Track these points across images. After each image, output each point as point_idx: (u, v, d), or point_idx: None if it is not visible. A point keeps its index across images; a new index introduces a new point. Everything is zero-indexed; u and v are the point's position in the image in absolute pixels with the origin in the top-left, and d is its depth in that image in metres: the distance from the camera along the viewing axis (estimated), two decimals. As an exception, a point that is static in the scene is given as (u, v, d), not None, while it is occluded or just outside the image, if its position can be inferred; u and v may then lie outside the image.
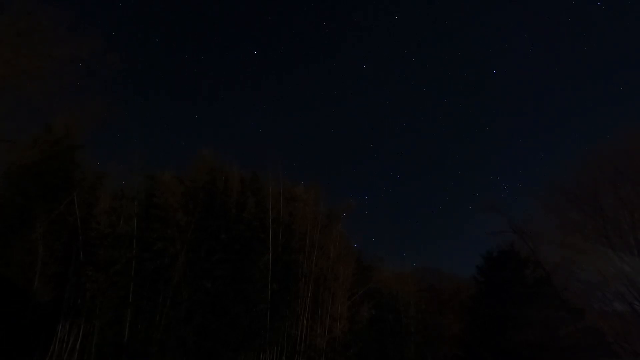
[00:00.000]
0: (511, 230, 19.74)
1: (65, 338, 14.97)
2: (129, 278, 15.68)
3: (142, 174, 17.71)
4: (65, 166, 16.79)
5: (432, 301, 29.00)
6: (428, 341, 26.39)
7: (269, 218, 18.43)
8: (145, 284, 16.07)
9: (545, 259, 18.47)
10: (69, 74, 12.48)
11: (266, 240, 17.96)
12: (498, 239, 21.07)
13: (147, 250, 16.31)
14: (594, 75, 62.14)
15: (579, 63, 63.38)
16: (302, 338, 18.17)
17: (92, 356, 14.71)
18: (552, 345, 15.25)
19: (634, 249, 13.59)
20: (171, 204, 16.91)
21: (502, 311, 17.73)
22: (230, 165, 20.19)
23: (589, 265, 14.57)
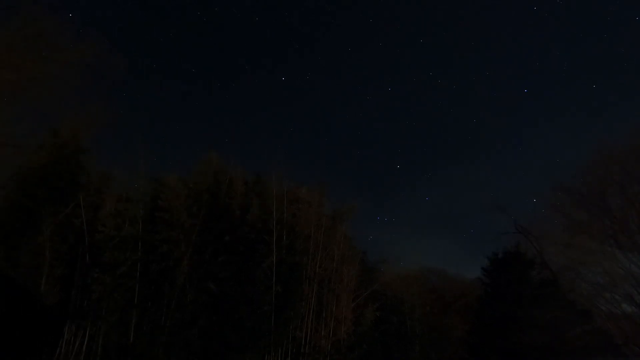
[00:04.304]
0: (516, 231, 19.60)
1: (72, 340, 15.10)
2: (135, 280, 15.80)
3: (147, 176, 17.90)
4: (71, 169, 16.99)
5: (437, 303, 28.79)
6: (433, 343, 26.22)
7: (273, 220, 18.47)
8: (151, 286, 16.18)
9: (552, 260, 18.28)
10: (74, 78, 12.65)
11: (270, 242, 17.98)
12: (503, 240, 20.93)
13: (153, 252, 16.43)
14: (602, 74, 61.47)
15: (586, 61, 62.76)
16: (306, 340, 18.14)
17: (98, 358, 14.82)
18: (559, 347, 15.07)
19: (642, 249, 13.39)
20: (176, 206, 17.01)
21: (508, 313, 17.60)
22: (234, 167, 20.32)
23: (597, 266, 14.40)
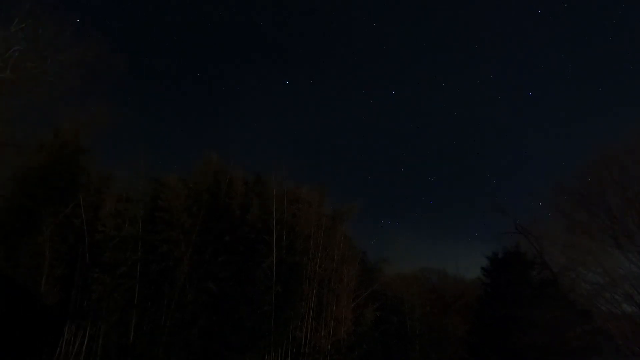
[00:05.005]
0: (516, 231, 19.59)
1: (72, 340, 15.11)
2: (135, 280, 15.80)
3: (147, 176, 17.91)
4: (71, 170, 17.01)
5: (437, 303, 28.79)
6: (433, 343, 26.22)
7: (273, 220, 18.47)
8: (151, 286, 16.18)
9: (552, 260, 18.28)
10: (75, 78, 12.64)
11: (270, 242, 17.99)
12: (503, 240, 20.92)
13: (153, 252, 16.43)
14: (601, 75, 61.43)
15: (586, 63, 62.74)
16: (306, 340, 18.15)
17: (98, 358, 14.82)
18: (559, 348, 15.06)
19: (642, 249, 13.39)
20: (176, 206, 17.01)
21: (508, 313, 17.55)
22: (234, 167, 20.34)
23: (597, 266, 14.38)
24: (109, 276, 15.34)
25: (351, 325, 19.98)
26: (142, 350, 15.01)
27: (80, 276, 15.80)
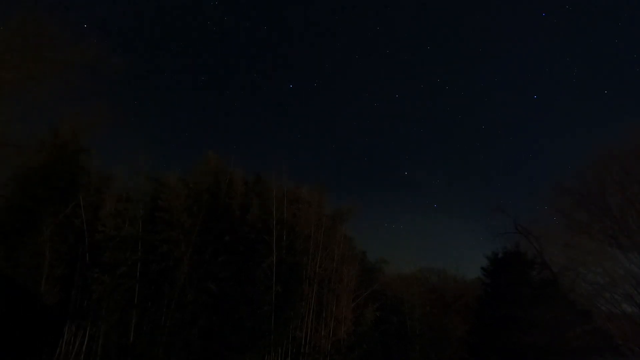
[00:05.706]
0: (516, 231, 19.60)
1: (72, 340, 15.11)
2: (135, 280, 15.80)
3: (147, 176, 17.91)
4: (71, 169, 17.01)
5: (437, 303, 28.79)
6: (433, 343, 26.21)
7: (273, 220, 18.47)
8: (151, 286, 16.18)
9: (552, 260, 18.28)
10: (74, 78, 12.64)
11: (270, 242, 17.99)
12: (503, 240, 20.93)
13: (153, 252, 16.43)
14: (602, 75, 61.40)
15: (587, 62, 62.70)
16: (306, 340, 18.14)
17: (98, 358, 14.82)
18: (559, 347, 15.06)
19: (642, 249, 13.39)
20: (176, 206, 17.01)
21: (508, 313, 17.56)
22: (234, 167, 20.35)
23: (597, 266, 14.40)
24: (109, 276, 15.34)
25: (351, 325, 19.97)
26: (142, 350, 15.01)
27: (80, 276, 15.80)
